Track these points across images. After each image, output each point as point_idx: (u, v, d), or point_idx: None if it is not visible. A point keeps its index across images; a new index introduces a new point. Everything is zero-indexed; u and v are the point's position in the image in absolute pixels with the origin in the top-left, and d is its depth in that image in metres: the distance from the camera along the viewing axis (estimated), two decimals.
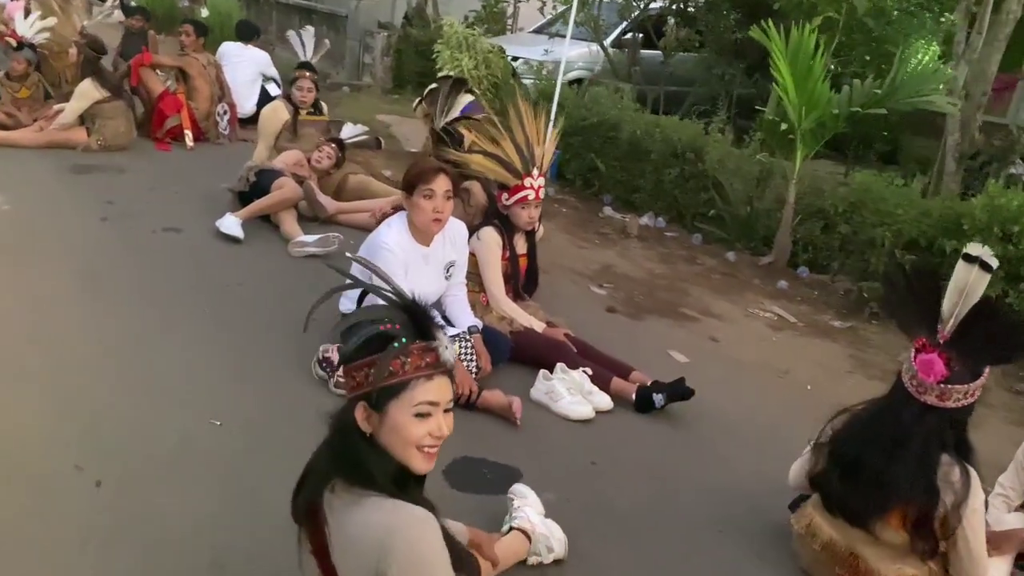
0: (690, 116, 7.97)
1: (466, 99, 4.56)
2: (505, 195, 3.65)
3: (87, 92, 6.16)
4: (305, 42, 6.09)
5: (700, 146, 6.55)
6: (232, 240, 4.64)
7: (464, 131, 4.39)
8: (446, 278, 3.44)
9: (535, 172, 3.63)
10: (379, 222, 4.67)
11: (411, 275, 3.21)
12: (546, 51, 9.10)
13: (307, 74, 5.71)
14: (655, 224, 6.59)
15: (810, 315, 4.97)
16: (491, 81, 7.89)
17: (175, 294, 3.89)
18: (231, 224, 4.69)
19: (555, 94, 7.33)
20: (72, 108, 6.13)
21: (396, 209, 5.12)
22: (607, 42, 9.56)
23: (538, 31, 10.97)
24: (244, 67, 7.67)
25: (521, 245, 3.80)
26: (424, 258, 3.32)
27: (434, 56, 8.07)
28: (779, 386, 3.92)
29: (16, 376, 3.00)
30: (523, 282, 3.82)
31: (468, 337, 3.31)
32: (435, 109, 4.63)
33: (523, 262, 3.81)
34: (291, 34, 6.29)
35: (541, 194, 3.66)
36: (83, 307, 3.65)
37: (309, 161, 5.48)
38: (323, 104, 5.98)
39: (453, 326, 3.42)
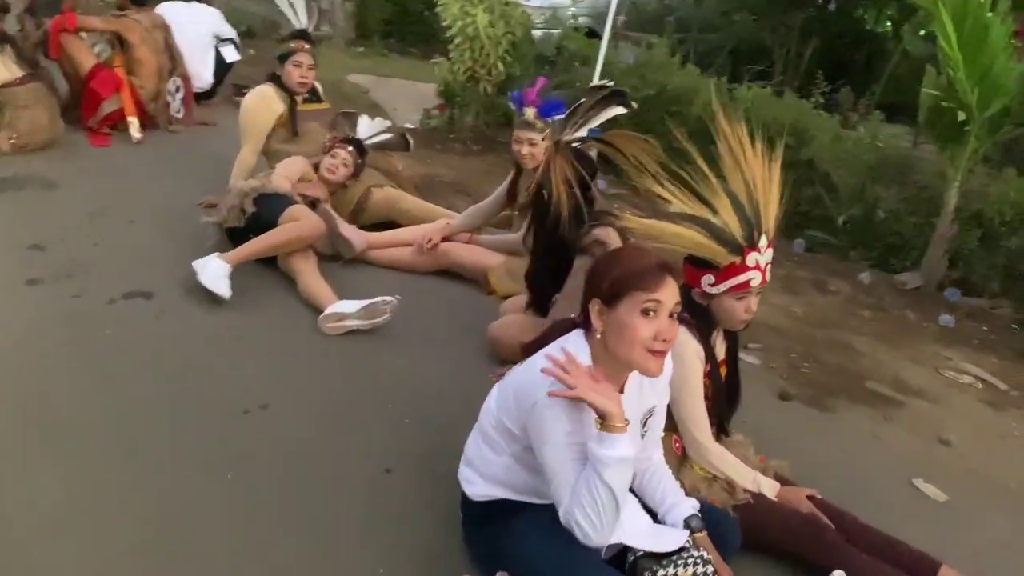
0: (739, 78, 6.61)
1: (614, 113, 3.07)
2: (708, 277, 2.25)
3: None
4: (294, 1, 4.44)
5: (802, 127, 5.21)
6: (217, 299, 3.16)
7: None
8: (641, 435, 2.06)
9: (763, 241, 2.25)
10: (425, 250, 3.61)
11: None
12: None
13: (305, 47, 4.11)
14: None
15: (1014, 373, 3.75)
16: (510, 41, 6.34)
17: (170, 449, 2.39)
18: (215, 275, 3.19)
19: (598, 56, 5.89)
20: None
21: (444, 239, 3.72)
22: None
23: None
24: (192, 30, 5.90)
25: (720, 347, 2.43)
26: None
27: (437, 8, 6.45)
28: None
29: None
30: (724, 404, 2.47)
31: (695, 548, 1.95)
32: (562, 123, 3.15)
33: (722, 372, 2.46)
34: None
35: (768, 274, 2.29)
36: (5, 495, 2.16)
37: (316, 171, 3.96)
38: (319, 87, 4.40)
39: (654, 513, 2.07)
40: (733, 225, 2.21)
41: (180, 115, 5.57)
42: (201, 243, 3.55)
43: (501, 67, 6.27)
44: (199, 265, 3.28)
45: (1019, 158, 4.88)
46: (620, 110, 3.01)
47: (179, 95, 5.57)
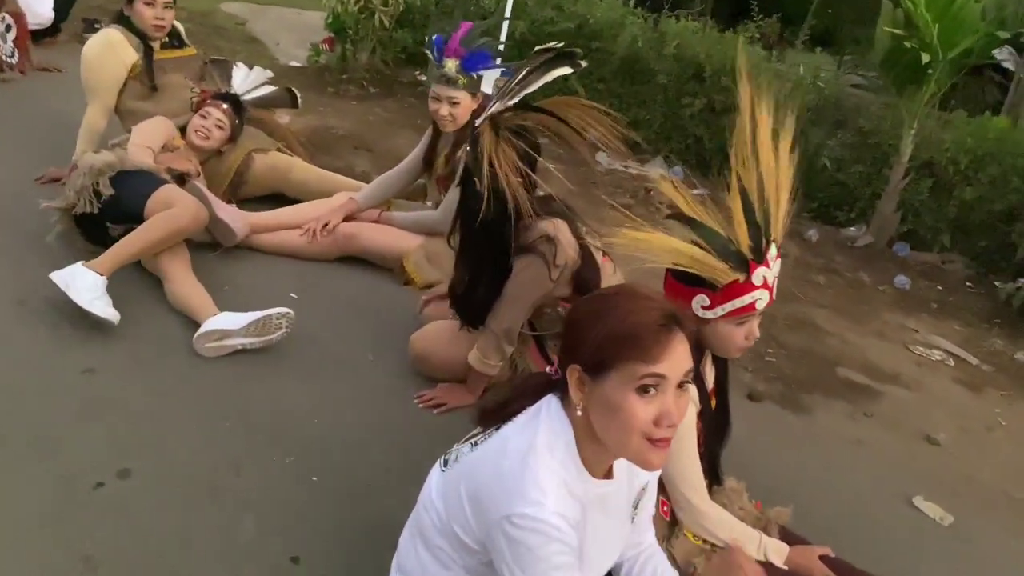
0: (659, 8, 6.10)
1: (559, 74, 2.41)
2: (702, 298, 1.75)
3: None
4: None
5: (734, 66, 4.73)
6: (103, 322, 2.46)
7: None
8: (631, 519, 1.57)
9: (772, 252, 1.76)
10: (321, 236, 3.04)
11: (588, 545, 1.36)
12: None
13: None
14: (670, 174, 4.81)
15: (979, 341, 3.47)
16: None
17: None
18: (91, 293, 2.45)
19: None
20: None
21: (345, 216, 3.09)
22: None
23: None
24: None
25: (709, 376, 1.95)
26: (602, 503, 1.42)
27: None
28: None
29: None
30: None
31: None
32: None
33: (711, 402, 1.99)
34: None
35: (775, 292, 1.81)
36: None
37: (183, 135, 3.23)
38: (181, 28, 3.58)
39: None
40: (741, 234, 1.71)
41: (14, 60, 4.62)
42: (40, 236, 2.81)
43: None
44: (62, 279, 2.48)
45: (968, 98, 4.57)
46: (566, 70, 2.38)
47: (10, 35, 4.61)
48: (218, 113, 3.22)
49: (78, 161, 3.01)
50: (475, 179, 2.28)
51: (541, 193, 2.43)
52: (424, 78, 5.87)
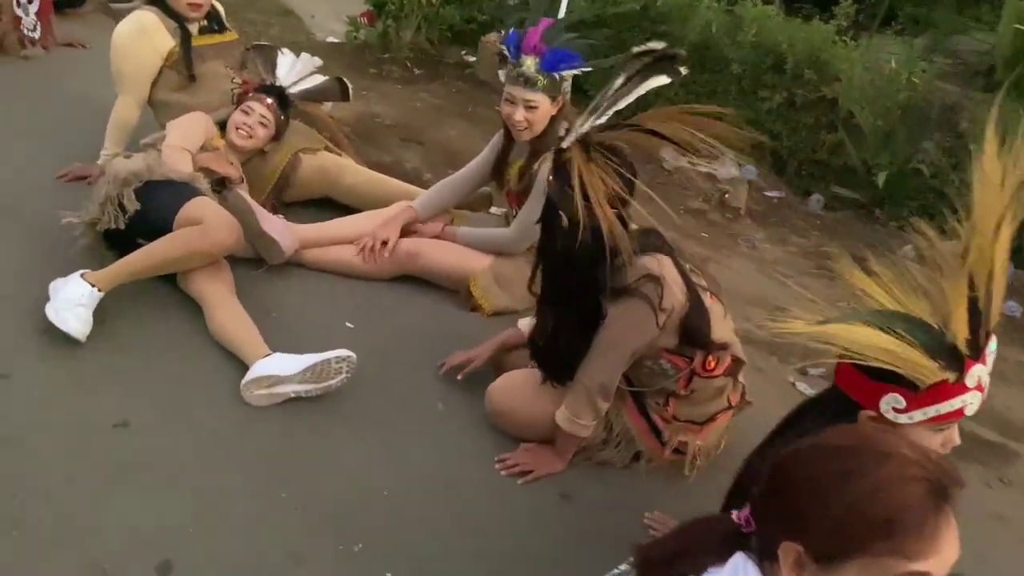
0: None
1: (654, 85, 1.98)
2: (895, 398, 1.38)
3: None
4: None
5: (825, 57, 4.30)
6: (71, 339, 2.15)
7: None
8: None
9: (992, 346, 1.39)
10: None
11: None
12: None
13: None
14: (743, 175, 4.40)
15: None
16: None
17: None
18: (67, 302, 2.18)
19: None
20: None
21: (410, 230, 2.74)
22: None
23: None
24: None
25: None
26: None
27: None
28: None
29: None
30: None
31: None
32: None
33: None
34: None
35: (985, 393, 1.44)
36: None
37: (222, 132, 2.87)
38: (220, 9, 3.19)
39: None
40: (959, 325, 1.33)
41: (36, 34, 4.26)
42: (65, 247, 2.48)
43: None
44: (55, 286, 2.26)
45: None
46: (663, 80, 1.97)
47: (32, 7, 4.24)
48: (262, 108, 2.86)
49: (105, 166, 2.69)
50: (560, 212, 1.93)
51: (640, 227, 2.06)
52: (472, 59, 5.46)
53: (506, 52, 2.56)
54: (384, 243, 2.72)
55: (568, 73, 2.56)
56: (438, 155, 4.01)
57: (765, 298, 3.23)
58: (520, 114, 2.53)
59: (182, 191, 2.43)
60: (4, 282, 2.39)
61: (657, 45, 1.85)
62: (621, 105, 1.88)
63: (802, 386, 2.70)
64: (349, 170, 3.09)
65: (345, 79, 3.22)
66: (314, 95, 3.15)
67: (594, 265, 1.92)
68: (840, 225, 4.12)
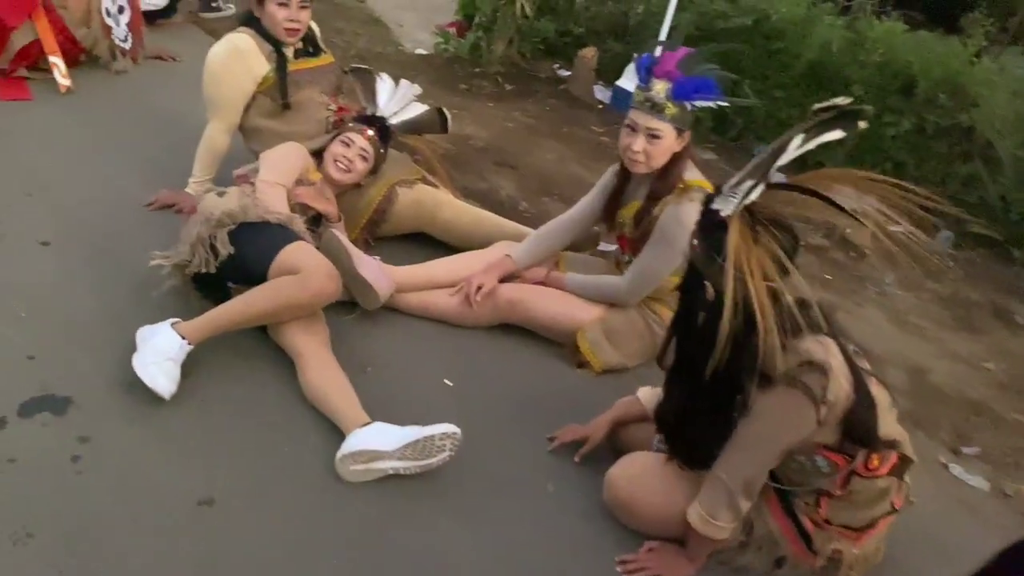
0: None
1: (827, 139, 1.72)
2: None
3: None
4: None
5: (960, 80, 3.92)
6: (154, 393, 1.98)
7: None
8: None
9: None
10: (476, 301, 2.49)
11: None
12: None
13: None
14: (941, 241, 3.96)
15: None
16: None
17: None
18: (157, 355, 2.02)
19: None
20: None
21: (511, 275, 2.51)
22: None
23: None
24: None
25: None
26: None
27: None
28: None
29: None
30: None
31: None
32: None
33: None
34: None
35: None
36: None
37: (317, 162, 2.69)
38: (316, 30, 3.00)
39: None
40: None
41: (127, 45, 4.18)
42: (150, 286, 2.32)
43: None
44: (143, 334, 2.10)
45: None
46: (838, 135, 1.68)
47: (123, 17, 4.16)
48: (362, 141, 2.67)
49: (196, 200, 2.53)
50: (706, 282, 1.68)
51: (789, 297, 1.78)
52: (566, 73, 5.21)
53: (636, 75, 2.32)
54: (480, 288, 2.50)
55: (701, 104, 2.30)
56: (533, 181, 3.78)
57: (902, 355, 2.90)
58: (640, 144, 2.28)
59: (278, 235, 2.25)
60: (93, 325, 2.25)
61: (842, 101, 1.57)
62: (784, 160, 1.61)
63: (956, 469, 2.37)
64: (446, 204, 2.88)
65: (445, 109, 3.00)
66: (414, 127, 2.94)
67: (741, 346, 1.66)
68: (975, 267, 3.74)
